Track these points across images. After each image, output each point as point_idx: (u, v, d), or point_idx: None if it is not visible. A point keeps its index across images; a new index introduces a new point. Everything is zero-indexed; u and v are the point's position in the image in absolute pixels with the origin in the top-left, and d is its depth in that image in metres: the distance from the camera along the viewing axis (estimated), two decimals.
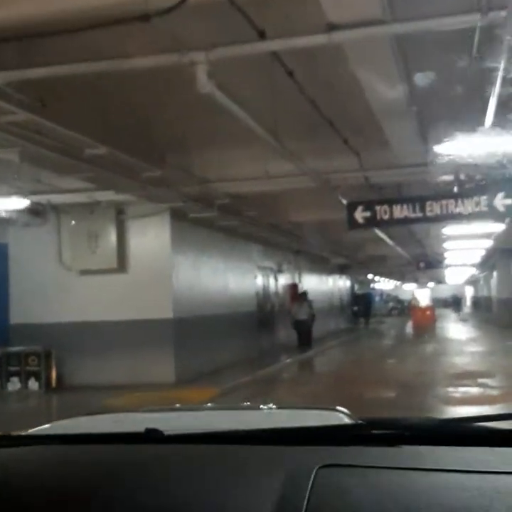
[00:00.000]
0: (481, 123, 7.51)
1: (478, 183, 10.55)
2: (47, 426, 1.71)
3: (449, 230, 16.83)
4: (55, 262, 13.09)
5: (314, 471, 1.14)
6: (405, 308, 47.38)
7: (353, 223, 11.03)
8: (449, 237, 19.82)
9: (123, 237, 12.84)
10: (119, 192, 10.73)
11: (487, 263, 33.19)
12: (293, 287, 21.89)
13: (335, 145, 9.49)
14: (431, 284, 48.33)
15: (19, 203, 10.26)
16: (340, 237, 21.09)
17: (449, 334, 27.73)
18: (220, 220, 13.66)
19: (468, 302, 57.48)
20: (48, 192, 10.98)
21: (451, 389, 11.59)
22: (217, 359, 14.02)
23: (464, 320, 38.33)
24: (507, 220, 14.89)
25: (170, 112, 8.13)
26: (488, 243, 22.53)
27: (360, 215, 10.90)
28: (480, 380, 12.25)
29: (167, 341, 12.55)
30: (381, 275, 47.01)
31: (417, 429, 1.36)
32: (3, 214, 10.78)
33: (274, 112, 7.37)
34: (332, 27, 5.29)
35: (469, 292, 58.08)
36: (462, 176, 10.59)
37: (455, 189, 11.07)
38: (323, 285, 28.79)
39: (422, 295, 37.88)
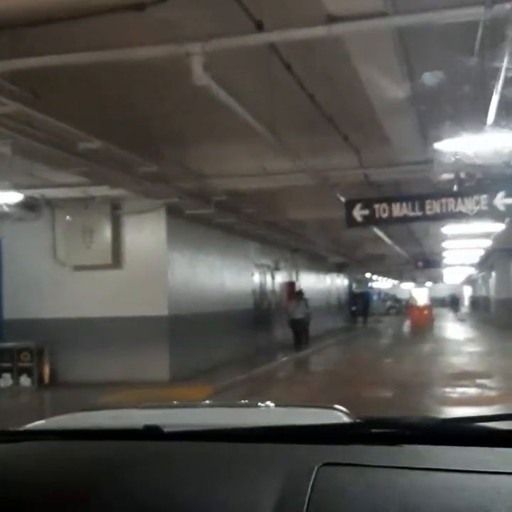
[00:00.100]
0: (484, 121, 7.40)
1: (479, 182, 10.45)
2: (43, 421, 1.68)
3: (448, 229, 16.77)
4: (50, 257, 12.96)
5: (315, 469, 1.15)
6: (403, 308, 47.51)
7: (351, 221, 10.91)
8: (448, 237, 19.75)
9: (118, 233, 12.72)
10: (113, 187, 10.60)
11: (486, 263, 33.19)
12: (290, 285, 21.79)
13: (334, 142, 9.37)
14: (429, 284, 48.45)
15: (13, 196, 10.13)
16: (339, 235, 21.03)
17: (446, 334, 27.70)
18: (217, 217, 13.56)
19: (466, 302, 57.57)
20: (42, 186, 10.84)
21: (448, 389, 11.53)
22: (213, 357, 13.93)
23: (461, 320, 38.40)
24: (507, 219, 14.83)
25: (166, 105, 7.99)
26: (487, 243, 22.47)
27: (358, 213, 10.79)
28: (478, 381, 12.19)
29: (162, 338, 12.45)
30: (379, 274, 47.07)
31: (418, 429, 1.36)
32: None
33: (272, 107, 7.23)
34: (332, 19, 5.16)
35: (467, 292, 58.16)
36: (462, 175, 10.49)
37: (455, 188, 10.98)
38: (321, 283, 28.73)
39: (420, 294, 37.97)
